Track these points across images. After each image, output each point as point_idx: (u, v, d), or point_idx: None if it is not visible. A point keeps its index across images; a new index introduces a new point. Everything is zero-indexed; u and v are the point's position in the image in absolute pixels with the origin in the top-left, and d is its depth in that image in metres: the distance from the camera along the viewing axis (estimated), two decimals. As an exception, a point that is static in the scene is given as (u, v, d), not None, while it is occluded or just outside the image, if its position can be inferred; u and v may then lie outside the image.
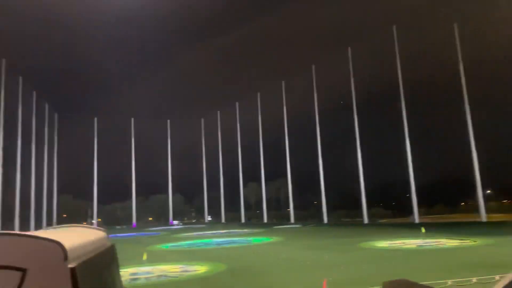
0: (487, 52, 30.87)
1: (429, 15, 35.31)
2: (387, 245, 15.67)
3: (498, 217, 30.30)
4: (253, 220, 56.17)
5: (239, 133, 53.95)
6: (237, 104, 54.97)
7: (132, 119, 57.78)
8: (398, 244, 15.62)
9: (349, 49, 39.29)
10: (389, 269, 10.04)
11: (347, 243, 17.34)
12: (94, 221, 51.71)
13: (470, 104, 30.02)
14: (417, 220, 31.73)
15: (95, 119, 55.37)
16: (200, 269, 11.61)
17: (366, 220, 35.97)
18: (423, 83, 36.02)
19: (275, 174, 53.36)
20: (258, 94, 50.88)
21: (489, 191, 37.72)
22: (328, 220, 40.68)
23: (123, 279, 3.68)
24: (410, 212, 33.77)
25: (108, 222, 57.62)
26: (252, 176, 54.29)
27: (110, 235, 3.31)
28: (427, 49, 34.17)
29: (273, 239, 20.89)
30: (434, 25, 33.41)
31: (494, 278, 7.77)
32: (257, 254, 14.92)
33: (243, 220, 52.26)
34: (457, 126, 31.86)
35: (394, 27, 35.48)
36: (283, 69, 54.61)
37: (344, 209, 52.22)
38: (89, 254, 2.41)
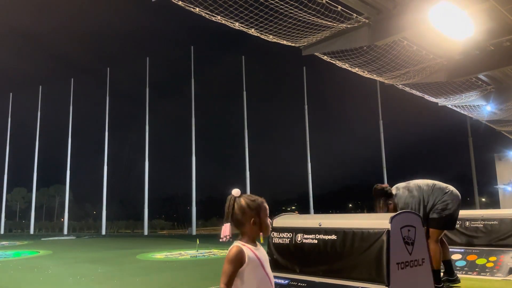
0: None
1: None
2: (163, 256, 16.13)
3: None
4: (16, 231, 50.14)
5: (9, 129, 46.39)
6: (10, 95, 47.40)
7: None
8: (175, 255, 16.29)
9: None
10: (163, 280, 10.39)
11: (124, 255, 17.00)
12: None
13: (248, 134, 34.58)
14: (194, 232, 33.88)
15: None
16: None
17: (146, 232, 36.08)
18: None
19: (51, 180, 48.02)
20: (40, 88, 45.09)
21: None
22: (107, 231, 39.31)
23: None
24: (190, 224, 35.87)
25: None
26: (19, 180, 47.35)
27: None
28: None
29: (40, 252, 18.62)
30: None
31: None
32: (17, 270, 13.01)
33: (2, 231, 44.95)
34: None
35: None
36: (73, 67, 50.52)
37: (125, 220, 51.15)
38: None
